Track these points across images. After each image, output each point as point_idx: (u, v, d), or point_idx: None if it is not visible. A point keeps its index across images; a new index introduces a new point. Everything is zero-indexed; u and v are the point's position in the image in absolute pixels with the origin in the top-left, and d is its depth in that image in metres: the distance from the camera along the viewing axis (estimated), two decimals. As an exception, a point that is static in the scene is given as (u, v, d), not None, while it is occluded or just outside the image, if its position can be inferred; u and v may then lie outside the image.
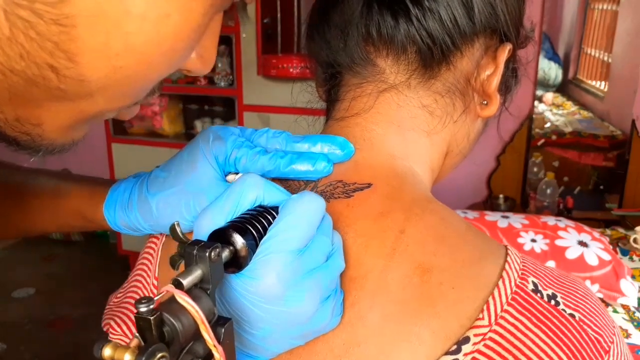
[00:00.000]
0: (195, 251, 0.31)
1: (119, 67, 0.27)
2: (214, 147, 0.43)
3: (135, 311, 0.28)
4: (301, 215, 0.35)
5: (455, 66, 0.44)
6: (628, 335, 1.30)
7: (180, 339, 0.28)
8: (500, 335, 0.36)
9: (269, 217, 0.36)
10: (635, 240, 1.63)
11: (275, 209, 0.37)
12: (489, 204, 2.41)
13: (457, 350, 0.36)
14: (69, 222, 0.56)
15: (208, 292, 0.31)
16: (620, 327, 1.32)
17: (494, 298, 0.37)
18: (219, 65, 2.58)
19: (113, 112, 0.33)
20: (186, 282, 0.30)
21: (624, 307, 1.39)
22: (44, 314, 2.62)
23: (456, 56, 0.44)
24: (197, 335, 0.30)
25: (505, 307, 0.37)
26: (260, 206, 0.37)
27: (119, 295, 0.53)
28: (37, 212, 0.56)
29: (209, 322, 0.30)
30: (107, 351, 0.26)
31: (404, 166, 0.45)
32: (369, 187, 0.42)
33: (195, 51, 0.32)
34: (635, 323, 1.33)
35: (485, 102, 0.47)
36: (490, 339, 0.36)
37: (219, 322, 0.32)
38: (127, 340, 0.48)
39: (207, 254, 0.31)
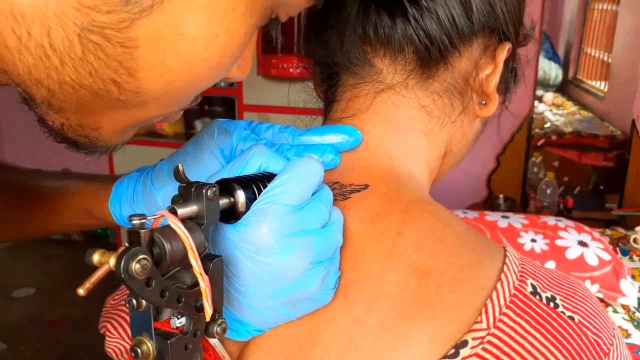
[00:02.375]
0: (193, 189, 0.33)
1: (171, 80, 0.31)
2: (220, 140, 0.44)
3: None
4: (298, 173, 0.36)
5: (453, 66, 0.44)
6: (628, 335, 1.29)
7: (167, 261, 0.30)
8: (499, 338, 0.35)
9: (272, 179, 0.38)
10: (635, 240, 1.63)
11: None
12: (489, 204, 2.40)
13: (455, 354, 0.35)
14: (77, 221, 0.57)
15: (202, 227, 0.33)
16: (620, 327, 1.32)
17: (492, 301, 0.37)
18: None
19: (161, 117, 0.36)
20: (181, 211, 0.32)
21: (624, 307, 1.39)
22: (44, 314, 2.62)
23: (454, 56, 0.44)
24: (184, 263, 0.31)
25: (504, 310, 0.36)
26: (266, 172, 0.38)
27: (116, 298, 0.53)
28: (47, 213, 0.57)
29: (199, 255, 0.31)
30: (95, 257, 0.28)
31: (402, 167, 0.44)
32: (365, 188, 0.42)
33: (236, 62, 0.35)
34: (635, 323, 1.33)
35: (484, 102, 0.46)
36: (489, 342, 0.35)
37: (209, 257, 0.33)
38: (125, 344, 0.48)
39: (203, 191, 0.33)
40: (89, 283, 0.28)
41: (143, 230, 0.29)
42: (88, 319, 2.51)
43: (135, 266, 0.27)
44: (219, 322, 0.33)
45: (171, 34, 0.29)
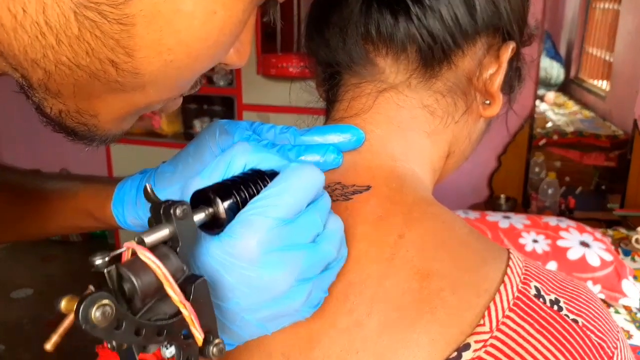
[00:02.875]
0: (162, 210, 0.31)
1: (169, 60, 0.30)
2: (221, 141, 0.43)
3: None
4: (295, 183, 0.34)
5: (456, 65, 0.44)
6: (630, 336, 1.29)
7: (140, 296, 0.28)
8: (502, 341, 0.35)
9: (260, 181, 0.35)
10: (637, 241, 1.63)
11: (274, 175, 0.36)
12: (490, 204, 2.40)
13: (458, 357, 0.35)
14: (77, 223, 0.56)
15: (178, 249, 0.30)
16: (622, 328, 1.32)
17: (495, 304, 0.36)
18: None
19: (160, 104, 0.35)
20: (149, 239, 0.29)
21: (626, 307, 1.39)
22: (43, 314, 2.62)
23: (457, 55, 0.43)
24: (161, 294, 0.29)
25: (507, 312, 0.36)
26: (255, 171, 0.36)
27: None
28: (47, 215, 0.57)
29: (177, 280, 0.29)
30: (62, 304, 0.27)
31: (404, 168, 0.44)
32: (368, 190, 0.42)
33: (233, 46, 0.35)
34: (637, 324, 1.33)
35: (488, 101, 0.46)
36: (492, 345, 0.35)
37: (190, 280, 0.31)
38: None
39: (171, 211, 0.30)
40: (56, 336, 0.27)
41: (107, 269, 0.27)
42: (87, 319, 2.51)
43: (95, 314, 0.25)
44: (215, 342, 0.31)
45: (168, 11, 0.28)
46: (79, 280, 2.97)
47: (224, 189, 0.34)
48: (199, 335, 0.30)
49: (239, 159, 0.36)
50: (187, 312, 0.29)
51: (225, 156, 0.36)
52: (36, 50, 0.28)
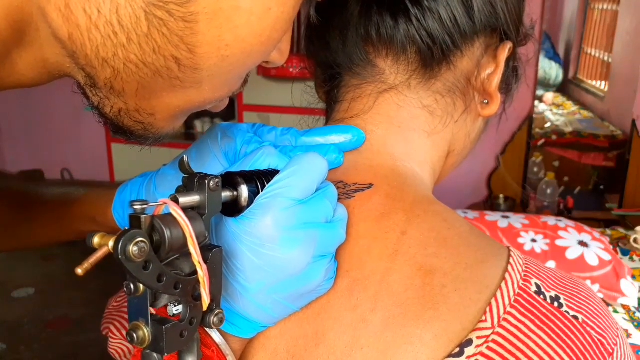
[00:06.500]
0: (196, 179, 0.34)
1: (226, 56, 0.31)
2: (223, 144, 0.44)
3: None
4: (302, 167, 0.37)
5: (455, 66, 0.44)
6: (629, 336, 1.29)
7: (166, 248, 0.30)
8: (503, 337, 0.36)
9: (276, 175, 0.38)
10: (635, 240, 1.63)
11: None
12: (489, 204, 2.40)
13: (460, 353, 0.35)
14: (80, 228, 0.56)
15: (203, 217, 0.33)
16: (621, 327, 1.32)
17: (496, 300, 0.37)
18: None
19: (212, 103, 0.36)
20: (182, 200, 0.32)
21: (625, 307, 1.39)
22: (44, 314, 2.62)
23: (456, 56, 0.44)
24: (184, 251, 0.31)
25: (508, 309, 0.36)
26: (273, 169, 0.39)
27: (118, 300, 0.53)
28: (49, 221, 0.57)
29: (199, 244, 0.31)
30: (95, 239, 0.29)
31: (405, 167, 0.44)
32: (370, 188, 0.42)
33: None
34: (635, 323, 1.33)
35: (486, 101, 0.47)
36: (493, 341, 0.35)
37: (209, 247, 0.33)
38: (128, 346, 0.48)
39: (206, 182, 0.33)
40: (87, 264, 0.29)
41: (144, 216, 0.29)
42: (88, 319, 2.51)
43: (132, 248, 0.28)
44: (216, 312, 0.34)
45: (228, 8, 0.30)
46: (80, 279, 2.96)
47: (248, 176, 0.37)
48: (206, 298, 0.32)
49: (264, 160, 0.39)
50: (202, 273, 0.31)
51: (252, 156, 0.39)
52: (108, 49, 0.30)
